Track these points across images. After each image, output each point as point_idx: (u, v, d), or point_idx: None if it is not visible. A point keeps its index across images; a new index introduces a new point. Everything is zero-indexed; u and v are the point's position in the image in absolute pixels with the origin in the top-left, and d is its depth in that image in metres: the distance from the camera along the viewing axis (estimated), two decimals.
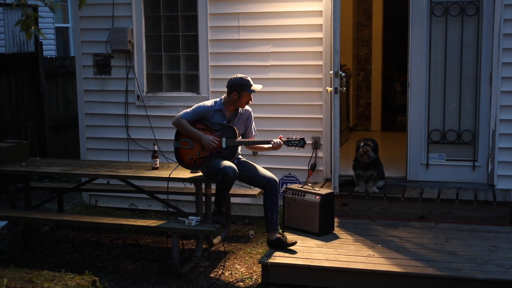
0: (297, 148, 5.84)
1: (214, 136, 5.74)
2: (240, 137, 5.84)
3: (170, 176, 5.89)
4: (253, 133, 5.97)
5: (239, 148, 5.89)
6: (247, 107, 5.88)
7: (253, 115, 5.96)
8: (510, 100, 6.41)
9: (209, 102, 5.90)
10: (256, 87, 5.75)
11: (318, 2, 6.80)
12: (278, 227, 5.72)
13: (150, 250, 6.42)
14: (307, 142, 5.90)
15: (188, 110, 5.86)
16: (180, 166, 5.97)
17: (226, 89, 5.81)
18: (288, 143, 5.80)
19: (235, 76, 5.78)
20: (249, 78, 5.75)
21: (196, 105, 5.91)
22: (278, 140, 5.75)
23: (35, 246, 6.53)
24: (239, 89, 5.69)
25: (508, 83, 6.40)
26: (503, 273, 4.90)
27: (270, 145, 5.77)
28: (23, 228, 6.85)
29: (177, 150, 5.88)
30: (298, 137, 5.81)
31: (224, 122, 5.78)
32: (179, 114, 5.85)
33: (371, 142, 6.43)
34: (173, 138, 5.91)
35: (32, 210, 6.76)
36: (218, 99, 5.88)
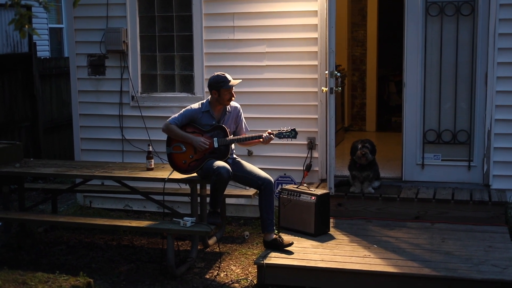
0: (289, 139, 5.81)
1: (205, 137, 5.72)
2: (232, 135, 5.82)
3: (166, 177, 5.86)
4: (244, 129, 5.95)
5: (232, 146, 5.86)
6: (236, 104, 5.86)
7: (242, 111, 5.93)
8: (506, 100, 6.42)
9: (196, 105, 5.87)
10: (234, 81, 5.73)
11: (313, 2, 6.79)
12: (274, 228, 5.70)
13: (145, 251, 6.39)
14: (302, 142, 5.88)
15: (176, 115, 5.84)
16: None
17: None
18: (280, 135, 5.78)
19: (212, 75, 5.78)
20: (226, 75, 5.73)
21: (184, 109, 5.89)
22: (267, 134, 5.74)
23: (29, 247, 6.49)
24: (217, 87, 5.69)
25: (503, 83, 6.41)
26: (500, 273, 4.89)
27: (261, 140, 5.76)
28: (17, 229, 6.82)
29: (170, 156, 5.84)
30: (289, 128, 5.79)
31: (214, 122, 5.76)
32: (167, 120, 5.83)
33: (368, 144, 6.40)
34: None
35: (26, 212, 6.72)
36: (204, 101, 5.88)
